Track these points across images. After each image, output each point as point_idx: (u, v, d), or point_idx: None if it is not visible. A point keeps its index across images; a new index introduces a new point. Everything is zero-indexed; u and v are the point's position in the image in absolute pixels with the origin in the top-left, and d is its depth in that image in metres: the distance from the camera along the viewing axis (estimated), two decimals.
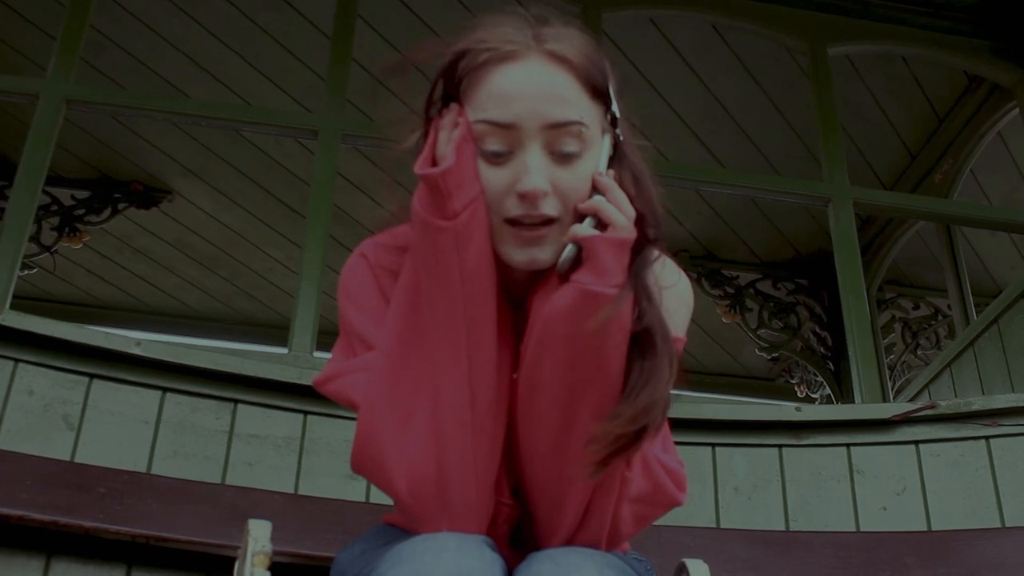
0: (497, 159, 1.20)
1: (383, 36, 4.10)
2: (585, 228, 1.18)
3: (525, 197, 1.18)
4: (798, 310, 5.29)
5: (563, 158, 1.20)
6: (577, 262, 1.18)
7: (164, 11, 4.10)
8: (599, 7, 3.69)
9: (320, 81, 3.80)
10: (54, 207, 4.87)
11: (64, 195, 4.89)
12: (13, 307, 2.61)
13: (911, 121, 4.58)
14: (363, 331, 1.28)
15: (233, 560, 1.51)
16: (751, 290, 5.28)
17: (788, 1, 3.92)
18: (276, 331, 5.46)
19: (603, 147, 1.23)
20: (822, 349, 5.20)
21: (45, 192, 4.37)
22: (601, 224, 1.18)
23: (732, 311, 5.21)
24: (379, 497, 2.26)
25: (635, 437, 1.16)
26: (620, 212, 1.18)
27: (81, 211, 4.92)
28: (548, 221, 1.19)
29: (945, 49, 4.02)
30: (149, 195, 4.96)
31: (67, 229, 4.89)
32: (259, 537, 1.39)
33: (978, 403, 2.69)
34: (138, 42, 4.23)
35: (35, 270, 4.97)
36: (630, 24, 3.97)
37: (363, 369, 1.23)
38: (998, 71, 4.04)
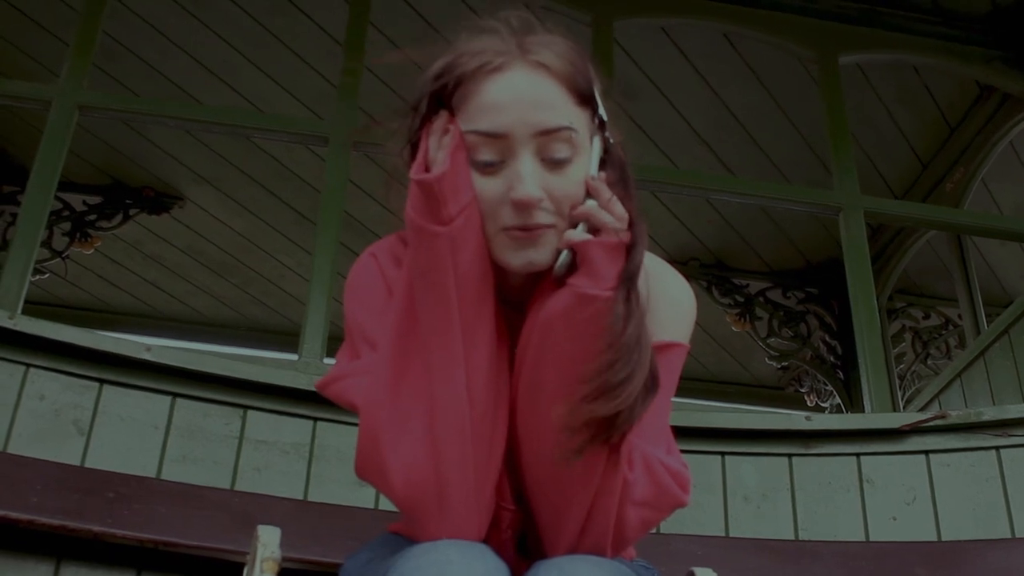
0: (490, 168, 1.21)
1: (395, 43, 4.10)
2: (579, 233, 1.19)
3: (519, 205, 1.19)
4: (808, 319, 5.28)
5: (555, 164, 1.21)
6: (573, 267, 1.19)
7: (176, 17, 4.12)
8: (611, 16, 3.69)
9: (331, 87, 3.81)
10: (66, 212, 4.90)
11: (76, 201, 4.92)
12: (25, 312, 2.61)
13: (922, 130, 4.57)
14: (368, 330, 1.28)
15: (242, 566, 1.52)
16: (761, 299, 5.27)
17: (799, 10, 3.92)
18: (286, 337, 5.48)
19: (593, 150, 1.24)
20: (832, 358, 5.18)
21: (57, 198, 4.38)
22: (594, 228, 1.19)
23: (742, 320, 5.20)
24: (388, 504, 2.25)
25: (606, 424, 1.14)
26: (612, 215, 1.19)
27: (93, 217, 4.94)
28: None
29: (956, 58, 4.02)
30: (160, 201, 4.98)
31: (79, 234, 4.92)
32: (268, 543, 1.39)
33: (989, 413, 2.68)
34: (150, 48, 4.25)
35: (47, 275, 4.99)
36: (642, 33, 3.98)
37: (365, 372, 1.24)
38: (1010, 80, 4.04)
